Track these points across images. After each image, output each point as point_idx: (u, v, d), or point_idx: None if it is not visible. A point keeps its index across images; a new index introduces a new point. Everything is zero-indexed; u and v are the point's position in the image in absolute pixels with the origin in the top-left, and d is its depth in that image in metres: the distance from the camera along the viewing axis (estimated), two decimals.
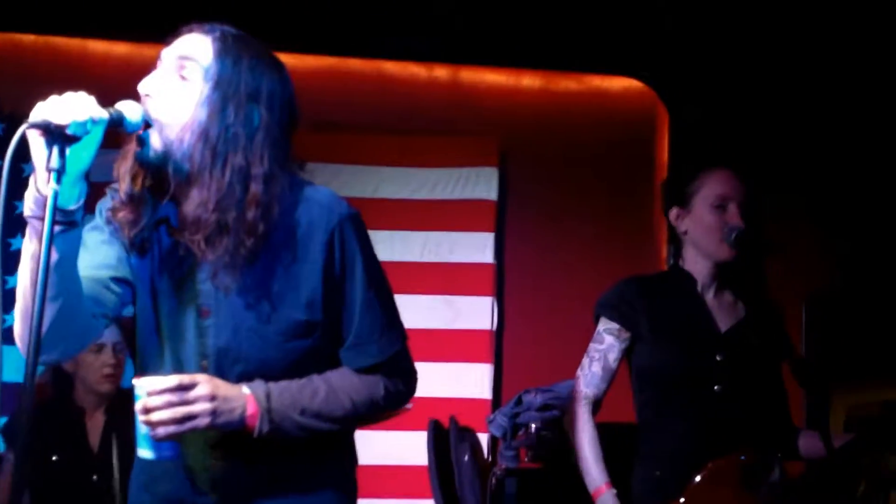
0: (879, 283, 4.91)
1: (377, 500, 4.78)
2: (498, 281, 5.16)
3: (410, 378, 2.27)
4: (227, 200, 2.01)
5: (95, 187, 2.09)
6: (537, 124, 5.30)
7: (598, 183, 5.31)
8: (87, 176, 1.91)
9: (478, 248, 5.13)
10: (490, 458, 4.33)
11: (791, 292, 3.79)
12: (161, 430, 1.98)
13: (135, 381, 2.01)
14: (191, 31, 2.09)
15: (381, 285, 2.20)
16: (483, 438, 4.43)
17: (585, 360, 3.06)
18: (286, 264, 2.08)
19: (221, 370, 2.07)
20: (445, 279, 5.08)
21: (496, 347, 5.09)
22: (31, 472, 3.82)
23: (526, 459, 3.92)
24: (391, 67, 5.25)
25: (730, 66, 5.07)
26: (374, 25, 4.99)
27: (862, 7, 4.73)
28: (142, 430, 2.00)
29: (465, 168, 5.20)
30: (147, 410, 1.97)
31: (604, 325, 3.06)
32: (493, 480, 3.84)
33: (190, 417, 1.98)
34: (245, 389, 2.04)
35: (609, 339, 3.04)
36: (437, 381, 4.90)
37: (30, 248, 1.92)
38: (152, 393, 1.97)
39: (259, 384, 2.05)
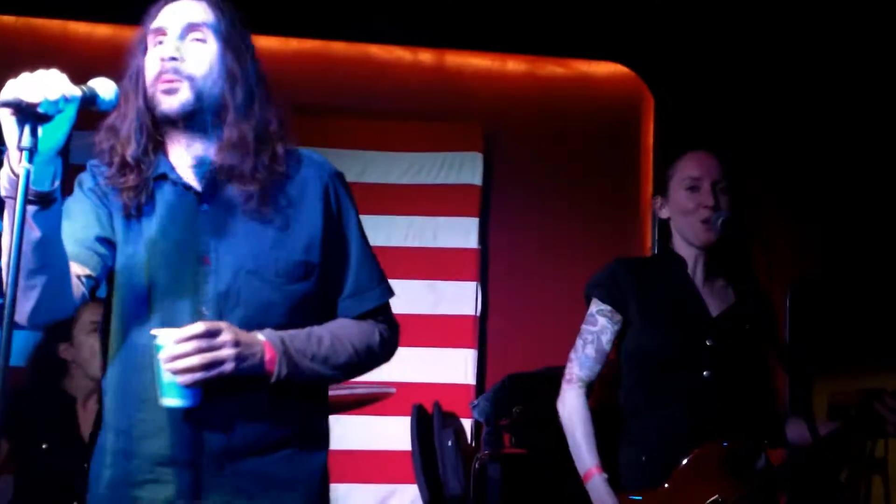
0: (863, 270, 4.91)
1: (360, 485, 4.77)
2: (482, 266, 5.15)
3: (397, 329, 2.40)
4: (262, 138, 2.20)
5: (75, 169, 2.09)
6: (522, 109, 5.28)
7: (583, 168, 5.30)
8: (63, 154, 1.91)
9: (462, 233, 5.12)
10: (473, 444, 4.33)
11: (774, 278, 3.78)
12: (188, 377, 2.03)
13: (155, 332, 2.06)
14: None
15: (367, 241, 2.37)
16: (467, 424, 4.44)
17: (578, 342, 3.04)
18: (284, 210, 2.21)
19: (221, 316, 2.14)
20: (430, 264, 5.07)
21: (480, 333, 5.08)
22: (20, 459, 3.80)
23: (509, 444, 3.92)
24: (376, 51, 5.22)
25: (715, 52, 5.06)
26: (358, 8, 4.96)
27: None
28: (166, 378, 2.05)
29: (449, 153, 5.18)
30: (174, 358, 2.02)
31: (596, 306, 3.04)
32: (477, 465, 3.84)
33: (217, 363, 2.05)
34: (260, 336, 2.12)
35: (602, 320, 3.02)
36: (420, 366, 4.89)
37: (8, 226, 1.90)
38: (180, 340, 2.03)
39: (270, 331, 2.14)
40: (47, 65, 1.95)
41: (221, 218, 2.19)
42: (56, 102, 1.82)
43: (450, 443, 3.86)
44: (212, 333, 2.05)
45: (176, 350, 2.03)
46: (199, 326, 2.05)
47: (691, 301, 3.03)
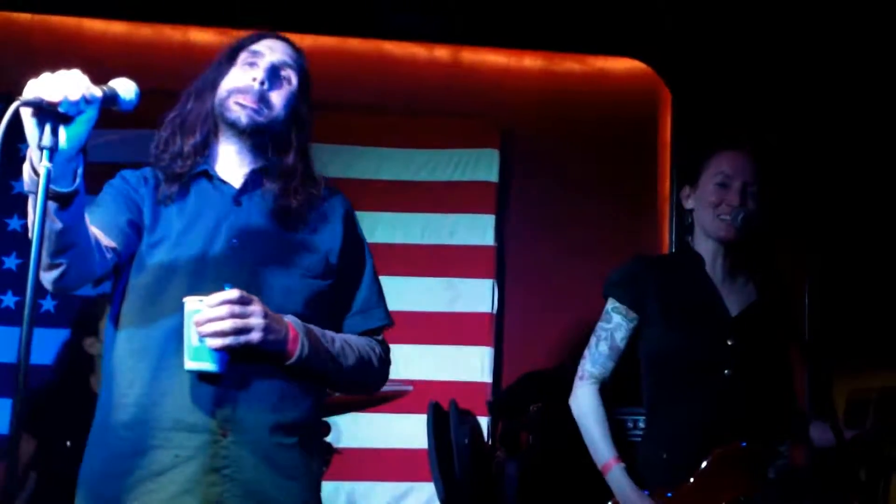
0: (881, 264, 4.89)
1: (377, 482, 4.76)
2: (499, 263, 5.14)
3: (389, 353, 2.52)
4: (304, 157, 2.43)
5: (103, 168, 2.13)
6: (539, 106, 5.27)
7: (600, 165, 5.28)
8: (83, 152, 1.94)
9: (479, 230, 5.10)
10: (490, 442, 4.32)
11: (795, 275, 3.77)
12: (218, 342, 2.12)
13: (187, 299, 2.14)
14: (276, 38, 2.49)
15: (375, 269, 2.52)
16: (483, 422, 4.42)
17: (592, 340, 3.03)
18: (310, 222, 2.39)
19: None
20: (446, 261, 5.06)
21: (497, 330, 5.07)
22: (43, 457, 3.81)
23: (526, 443, 3.91)
24: (392, 48, 5.21)
25: (733, 48, 5.04)
26: (374, 5, 4.95)
27: None
28: (194, 343, 2.12)
29: (466, 149, 5.17)
30: (208, 320, 2.11)
31: (612, 304, 3.03)
32: (494, 464, 3.83)
33: (247, 330, 2.14)
34: (286, 318, 2.23)
35: (617, 318, 3.01)
36: (437, 364, 4.89)
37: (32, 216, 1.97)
38: (215, 304, 2.12)
39: (293, 317, 2.25)
40: (62, 62, 1.95)
41: (252, 214, 2.35)
42: (77, 103, 1.84)
43: (466, 441, 3.85)
44: (245, 301, 2.14)
45: (210, 313, 2.11)
46: (233, 293, 2.14)
47: (711, 300, 3.01)
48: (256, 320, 2.15)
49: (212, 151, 2.41)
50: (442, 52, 5.27)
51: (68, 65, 1.89)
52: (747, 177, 3.00)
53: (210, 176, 2.38)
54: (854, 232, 4.97)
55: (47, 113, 1.81)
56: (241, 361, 2.18)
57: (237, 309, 2.13)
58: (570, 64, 5.35)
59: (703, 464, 2.86)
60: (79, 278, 2.13)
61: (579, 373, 3.02)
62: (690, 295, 3.01)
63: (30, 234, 1.96)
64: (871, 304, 4.83)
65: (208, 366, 2.13)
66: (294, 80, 2.43)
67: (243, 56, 2.43)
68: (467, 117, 5.19)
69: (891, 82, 4.89)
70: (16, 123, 1.76)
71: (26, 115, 1.83)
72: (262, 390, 2.22)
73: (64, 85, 1.83)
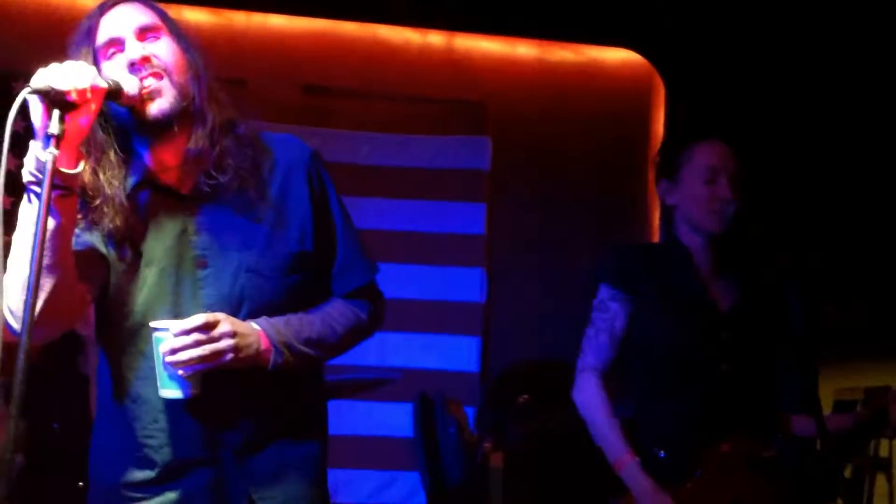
0: (867, 261, 4.89)
1: (362, 470, 4.75)
2: (488, 252, 5.12)
3: (384, 304, 2.40)
4: (224, 127, 2.17)
5: None
6: (532, 94, 5.24)
7: (592, 155, 5.26)
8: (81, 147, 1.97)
9: (469, 218, 5.08)
10: (477, 432, 4.31)
11: (783, 270, 3.77)
12: (189, 369, 2.06)
13: (154, 325, 2.08)
14: (116, 4, 2.17)
15: (350, 216, 2.35)
16: (470, 412, 4.41)
17: (591, 331, 2.96)
18: (273, 203, 2.21)
19: None
20: (435, 249, 5.03)
21: (485, 320, 5.05)
22: (30, 438, 3.79)
23: (513, 434, 3.90)
24: (385, 32, 5.17)
25: (728, 40, 5.01)
26: None
27: None
28: (165, 370, 2.08)
29: (457, 136, 5.14)
30: (174, 351, 2.04)
31: (607, 291, 2.97)
32: (479, 454, 3.82)
33: (216, 354, 2.06)
34: (255, 325, 2.14)
35: (614, 306, 2.95)
36: (424, 352, 4.87)
37: (29, 213, 1.96)
38: (179, 333, 2.05)
39: (264, 320, 2.16)
40: (57, 40, 1.95)
41: (212, 218, 2.18)
42: (85, 92, 1.89)
43: (452, 431, 3.84)
44: (210, 325, 2.07)
45: (176, 343, 2.05)
46: (197, 319, 2.06)
47: (700, 293, 2.98)
48: (225, 343, 2.07)
49: (133, 157, 2.18)
50: (436, 38, 5.24)
51: (60, 43, 1.92)
52: (732, 168, 2.97)
53: (150, 185, 2.17)
54: (846, 225, 4.97)
55: (56, 101, 1.86)
56: (227, 373, 2.11)
57: (203, 336, 2.05)
58: (564, 53, 5.33)
59: (708, 456, 2.85)
60: (55, 315, 2.03)
61: (580, 365, 2.96)
62: (681, 286, 2.98)
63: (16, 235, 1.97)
64: (857, 298, 4.83)
65: (179, 394, 2.09)
66: (164, 35, 2.15)
67: (102, 51, 2.14)
68: (460, 104, 5.16)
69: (891, 76, 4.89)
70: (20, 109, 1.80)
71: (34, 102, 1.87)
72: (254, 397, 2.18)
73: (73, 74, 1.88)
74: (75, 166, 1.95)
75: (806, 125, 5.04)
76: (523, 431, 3.87)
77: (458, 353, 4.95)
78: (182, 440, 2.16)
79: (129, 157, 2.15)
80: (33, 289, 1.78)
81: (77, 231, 2.10)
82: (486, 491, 3.79)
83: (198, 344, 2.05)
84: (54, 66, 1.89)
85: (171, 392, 2.09)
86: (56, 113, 1.86)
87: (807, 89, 5.02)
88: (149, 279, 2.16)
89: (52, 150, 1.84)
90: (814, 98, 5.01)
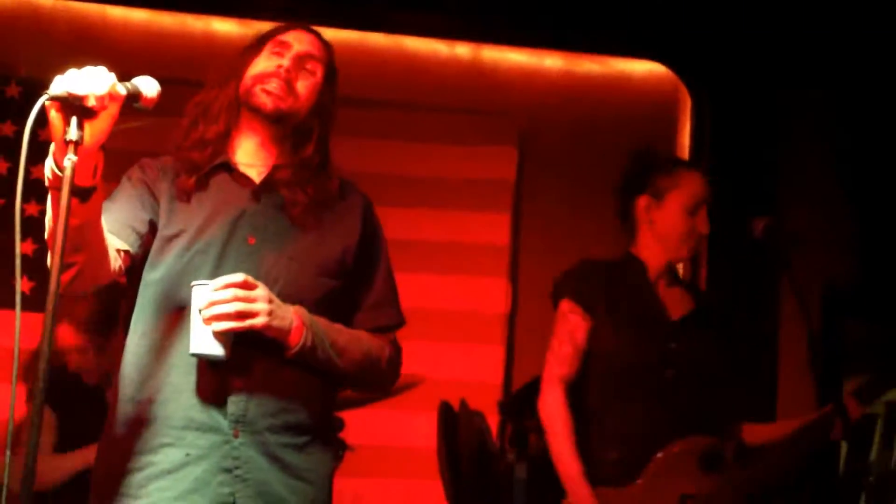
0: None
1: (385, 480, 4.75)
2: (513, 263, 5.12)
3: (401, 356, 2.51)
4: (324, 164, 2.43)
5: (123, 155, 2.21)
6: (558, 106, 5.25)
7: (617, 167, 5.24)
8: (102, 149, 1.99)
9: (493, 229, 5.09)
10: (500, 443, 4.30)
11: (808, 282, 3.78)
12: (222, 325, 2.10)
13: (195, 283, 2.14)
14: (303, 29, 2.48)
15: (391, 267, 2.51)
16: (493, 422, 4.41)
17: (554, 342, 3.15)
18: (325, 223, 2.39)
19: None
20: (460, 259, 5.04)
21: (509, 331, 5.05)
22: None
23: (536, 445, 3.89)
24: (412, 44, 5.20)
25: (756, 54, 5.01)
26: (396, 1, 4.94)
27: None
28: (199, 328, 2.12)
29: (483, 147, 5.15)
30: (212, 303, 2.11)
31: (568, 305, 3.15)
32: (503, 465, 3.82)
33: (250, 314, 2.13)
34: (293, 307, 2.23)
35: (574, 318, 3.13)
36: (448, 363, 4.87)
37: (51, 216, 2.03)
38: (219, 287, 2.12)
39: (300, 307, 2.23)
40: (84, 49, 1.99)
41: (269, 212, 2.35)
42: (103, 98, 1.90)
43: (476, 442, 3.84)
44: (249, 285, 2.15)
45: (214, 296, 2.11)
46: (238, 276, 2.14)
47: (654, 305, 3.15)
48: (261, 305, 2.14)
49: (233, 143, 2.41)
50: (463, 50, 5.26)
51: (90, 51, 1.92)
52: (709, 199, 3.19)
53: (230, 169, 2.38)
54: (879, 235, 4.96)
55: (74, 107, 1.87)
56: (248, 351, 2.17)
57: (241, 292, 2.13)
58: (591, 65, 5.34)
59: (656, 457, 2.94)
60: (91, 280, 2.13)
61: (545, 375, 3.11)
62: (635, 299, 3.14)
63: (46, 228, 2.02)
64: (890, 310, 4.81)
65: (212, 350, 2.12)
66: (319, 73, 2.44)
67: (270, 45, 2.42)
68: (486, 115, 5.17)
69: None
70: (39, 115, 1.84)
71: (53, 108, 1.89)
72: (274, 390, 2.22)
73: (91, 80, 1.88)
74: (93, 177, 1.98)
75: (832, 139, 5.03)
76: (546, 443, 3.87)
77: (482, 364, 4.95)
78: (189, 402, 2.19)
79: (230, 134, 2.37)
80: (53, 295, 1.80)
81: (141, 185, 2.31)
82: (509, 501, 3.78)
83: (235, 298, 2.11)
84: (72, 72, 1.90)
85: (203, 348, 2.12)
86: (74, 119, 1.87)
87: (833, 102, 5.01)
88: (195, 247, 2.25)
89: (71, 156, 1.85)
90: (840, 112, 5.01)
